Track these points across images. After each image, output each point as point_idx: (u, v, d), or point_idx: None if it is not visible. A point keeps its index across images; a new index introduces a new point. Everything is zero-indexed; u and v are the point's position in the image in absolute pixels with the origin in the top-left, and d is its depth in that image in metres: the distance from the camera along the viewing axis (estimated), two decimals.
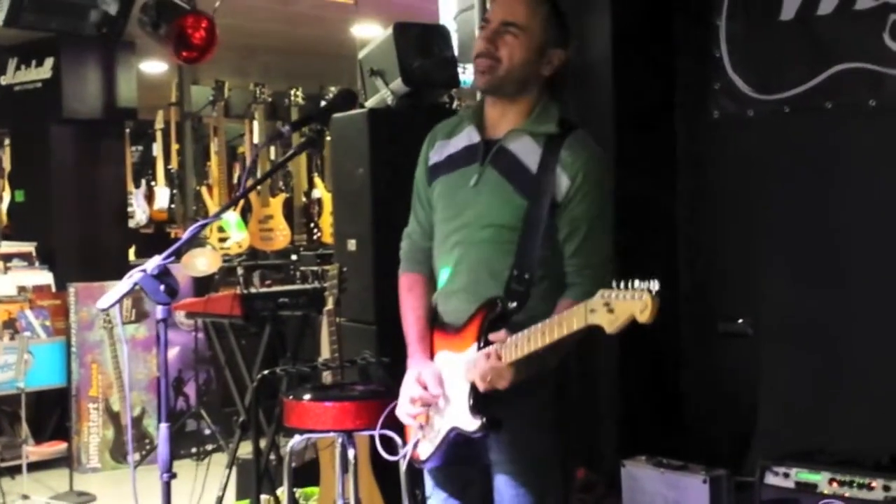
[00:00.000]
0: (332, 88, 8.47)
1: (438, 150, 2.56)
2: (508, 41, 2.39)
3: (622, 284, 1.99)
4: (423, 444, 2.47)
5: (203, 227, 2.14)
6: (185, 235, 2.14)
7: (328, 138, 4.68)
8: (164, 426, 2.15)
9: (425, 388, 2.40)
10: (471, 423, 2.32)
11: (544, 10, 2.43)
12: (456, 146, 2.52)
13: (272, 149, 8.10)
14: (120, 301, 2.10)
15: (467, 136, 2.51)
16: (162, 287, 2.09)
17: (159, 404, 2.07)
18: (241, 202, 7.29)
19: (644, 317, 1.95)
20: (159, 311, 2.09)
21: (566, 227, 2.38)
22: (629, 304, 1.97)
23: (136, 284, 2.09)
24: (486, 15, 2.48)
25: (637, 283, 1.97)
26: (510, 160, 2.41)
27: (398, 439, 2.66)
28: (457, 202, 2.46)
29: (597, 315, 2.02)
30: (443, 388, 2.40)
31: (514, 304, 2.33)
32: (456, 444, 2.40)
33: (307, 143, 2.34)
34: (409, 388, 2.45)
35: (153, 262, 2.11)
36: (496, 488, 2.43)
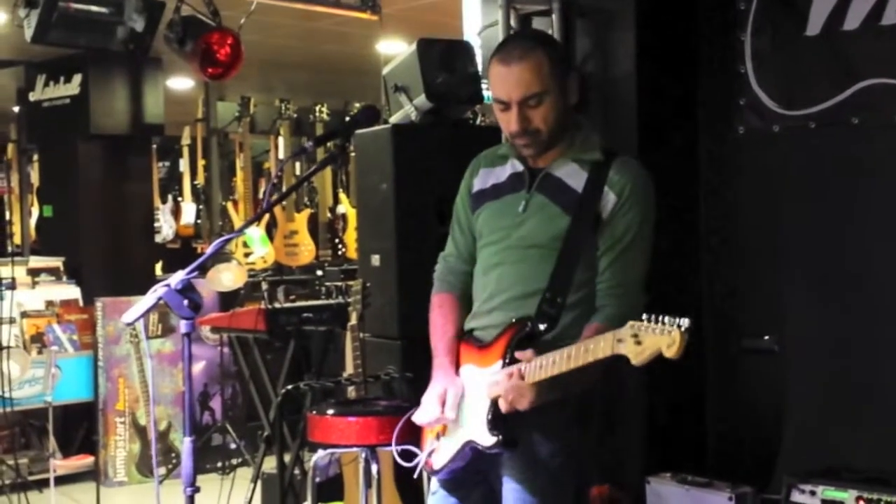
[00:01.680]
0: (357, 104, 8.52)
1: (482, 178, 2.58)
2: (539, 110, 2.39)
3: (652, 318, 2.01)
4: (438, 454, 2.49)
5: (227, 241, 2.15)
6: (210, 250, 2.16)
7: (352, 154, 4.70)
8: (187, 440, 2.16)
9: (443, 405, 2.42)
10: (487, 439, 2.34)
11: (547, 61, 2.39)
12: (500, 176, 2.55)
13: (297, 164, 8.15)
14: (145, 315, 2.12)
15: (511, 166, 2.53)
16: (185, 302, 2.10)
17: (185, 418, 2.07)
18: (266, 217, 7.33)
19: (671, 352, 1.98)
20: (182, 326, 2.11)
21: (606, 242, 2.39)
22: (657, 338, 1.99)
23: (160, 299, 2.10)
24: (497, 96, 2.43)
25: (668, 318, 1.99)
26: (556, 184, 2.44)
27: (418, 451, 2.65)
28: (504, 227, 2.48)
29: (624, 345, 2.05)
30: (458, 410, 2.42)
31: (544, 327, 2.34)
32: (469, 456, 2.41)
33: (330, 159, 2.36)
34: (430, 402, 2.47)
35: (177, 277, 2.13)
36: (505, 500, 2.43)
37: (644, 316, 2.03)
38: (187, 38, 4.72)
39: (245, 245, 7.37)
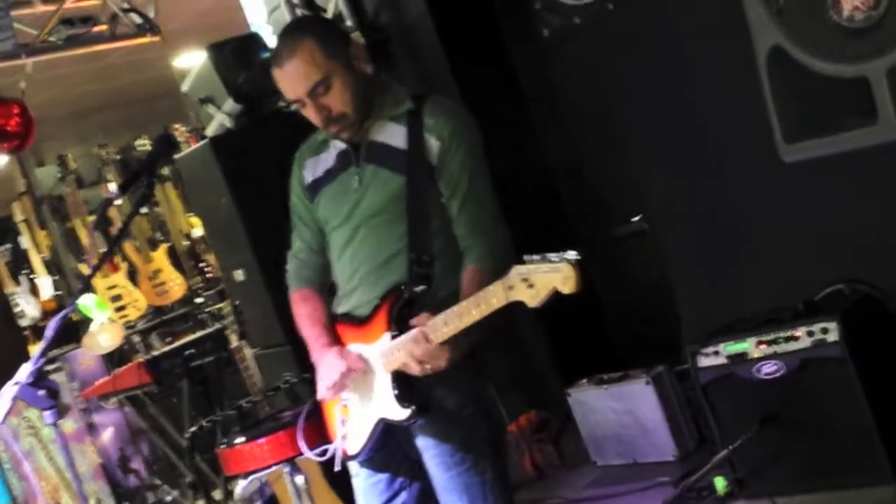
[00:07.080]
0: (178, 125, 8.29)
1: (312, 168, 2.54)
2: (332, 95, 2.36)
3: (535, 257, 1.98)
4: (350, 440, 2.45)
5: (63, 319, 2.05)
6: (48, 334, 2.05)
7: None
8: None
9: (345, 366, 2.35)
10: (400, 413, 2.31)
11: (317, 46, 2.35)
12: (328, 161, 2.51)
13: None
14: (5, 420, 2.01)
15: (335, 147, 2.50)
16: (41, 392, 2.00)
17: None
18: (125, 267, 7.10)
19: (568, 287, 1.95)
20: (46, 416, 2.01)
21: (448, 187, 2.37)
22: (549, 276, 1.96)
23: (14, 399, 2.00)
24: (288, 98, 2.42)
25: (552, 255, 1.96)
26: (381, 148, 2.41)
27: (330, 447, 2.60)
28: (344, 206, 2.45)
29: (516, 291, 2.02)
30: (358, 388, 2.36)
31: (423, 287, 2.32)
32: (384, 433, 2.39)
33: (140, 202, 2.27)
34: (330, 369, 2.37)
35: (24, 371, 2.02)
36: (428, 465, 2.42)
37: (525, 257, 2.01)
38: None
39: (114, 299, 7.10)
